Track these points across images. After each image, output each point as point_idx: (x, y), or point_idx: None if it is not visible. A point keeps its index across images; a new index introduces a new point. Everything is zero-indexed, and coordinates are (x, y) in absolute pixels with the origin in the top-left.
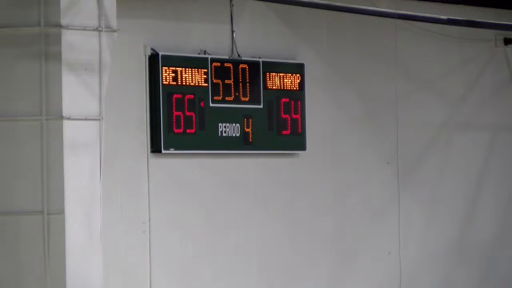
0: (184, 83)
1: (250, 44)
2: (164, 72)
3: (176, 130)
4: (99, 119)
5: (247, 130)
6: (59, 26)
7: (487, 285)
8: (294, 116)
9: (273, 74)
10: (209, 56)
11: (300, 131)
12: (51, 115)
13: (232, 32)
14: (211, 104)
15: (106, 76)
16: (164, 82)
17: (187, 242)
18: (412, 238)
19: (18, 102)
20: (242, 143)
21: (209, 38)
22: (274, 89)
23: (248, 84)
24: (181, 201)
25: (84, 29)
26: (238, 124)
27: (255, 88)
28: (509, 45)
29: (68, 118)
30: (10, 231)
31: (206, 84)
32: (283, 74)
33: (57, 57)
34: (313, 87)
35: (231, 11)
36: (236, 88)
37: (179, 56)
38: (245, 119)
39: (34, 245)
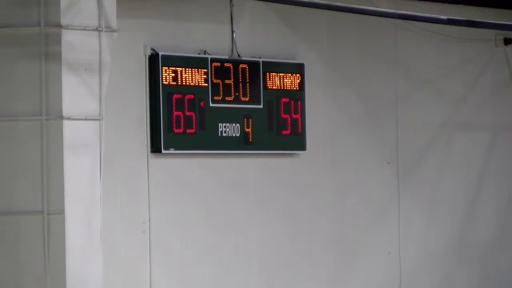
0: (184, 83)
1: (250, 44)
2: (164, 72)
3: (176, 130)
4: (99, 119)
5: (247, 130)
6: (59, 26)
7: (487, 285)
8: (294, 116)
9: (273, 74)
10: (209, 56)
11: (300, 131)
12: (51, 115)
13: (232, 32)
14: (211, 104)
15: (106, 76)
16: (164, 82)
17: (187, 242)
18: (412, 238)
19: (18, 102)
20: (242, 143)
21: (209, 38)
22: (274, 89)
23: (248, 84)
24: (181, 201)
25: (84, 29)
26: (238, 124)
27: (255, 88)
28: (509, 45)
29: (68, 118)
30: (10, 231)
31: (206, 84)
32: (283, 74)
33: (57, 57)
34: (313, 87)
35: (231, 11)
36: (236, 88)
37: (179, 56)
38: (245, 119)
39: (34, 245)
